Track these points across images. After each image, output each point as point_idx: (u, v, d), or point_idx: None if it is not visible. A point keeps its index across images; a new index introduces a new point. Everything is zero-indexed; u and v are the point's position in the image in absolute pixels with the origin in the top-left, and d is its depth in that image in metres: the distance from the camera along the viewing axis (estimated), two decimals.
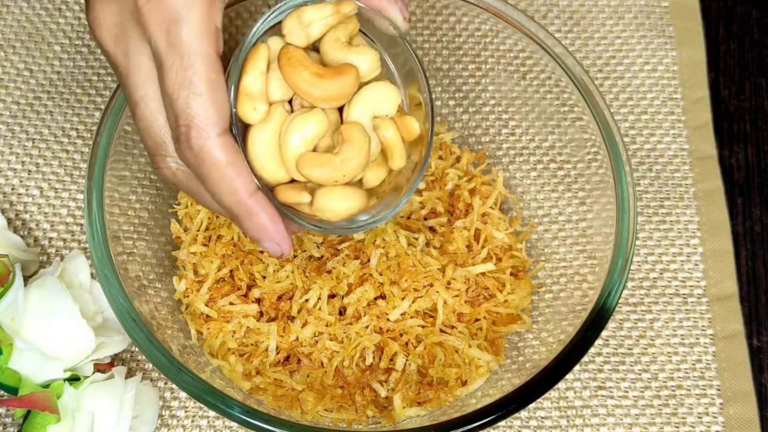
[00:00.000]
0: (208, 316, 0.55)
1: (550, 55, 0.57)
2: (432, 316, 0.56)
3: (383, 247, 0.56)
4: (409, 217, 0.59)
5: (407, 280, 0.55)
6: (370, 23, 0.46)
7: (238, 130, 0.42)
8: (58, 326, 0.52)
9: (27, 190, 0.62)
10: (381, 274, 0.55)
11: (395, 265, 0.56)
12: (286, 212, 0.43)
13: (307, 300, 0.55)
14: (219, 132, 0.39)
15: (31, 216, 0.62)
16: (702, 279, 0.62)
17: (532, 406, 0.57)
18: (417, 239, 0.58)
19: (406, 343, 0.55)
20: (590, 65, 0.69)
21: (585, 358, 0.58)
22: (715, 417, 0.58)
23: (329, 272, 0.55)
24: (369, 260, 0.56)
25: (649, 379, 0.59)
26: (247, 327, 0.55)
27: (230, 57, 0.42)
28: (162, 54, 0.38)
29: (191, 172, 0.41)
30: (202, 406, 0.55)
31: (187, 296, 0.56)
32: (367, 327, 0.54)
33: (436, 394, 0.53)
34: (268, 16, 0.43)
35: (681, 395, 0.58)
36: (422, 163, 0.47)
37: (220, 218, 0.57)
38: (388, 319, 0.55)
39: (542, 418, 0.57)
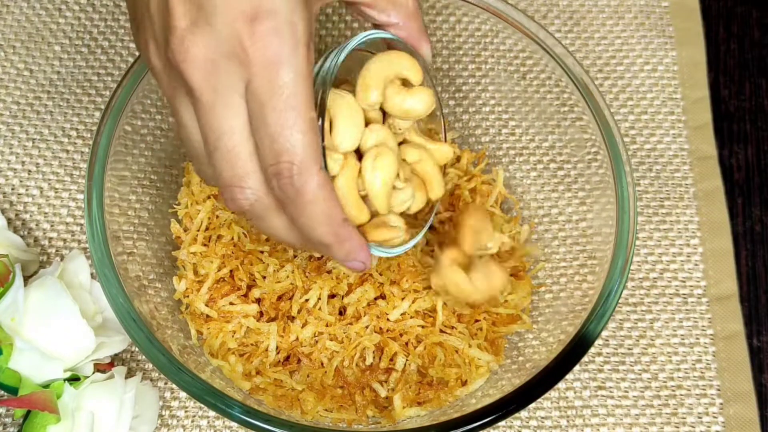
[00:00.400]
0: (208, 316, 0.55)
1: (550, 55, 0.57)
2: (432, 316, 0.56)
3: None
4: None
5: (407, 281, 0.55)
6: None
7: None
8: (58, 326, 0.52)
9: (27, 190, 0.62)
10: (381, 274, 0.55)
11: (395, 266, 0.56)
12: None
13: (307, 300, 0.55)
14: (319, 168, 0.41)
15: (31, 216, 0.62)
16: (702, 279, 0.62)
17: (532, 406, 0.57)
18: None
19: (406, 343, 0.55)
20: (590, 65, 0.69)
21: (585, 358, 0.58)
22: (715, 417, 0.58)
23: (329, 272, 0.55)
24: None
25: (649, 379, 0.59)
26: (247, 327, 0.55)
27: None
28: (264, 95, 0.39)
29: (273, 205, 0.43)
30: (202, 406, 0.55)
31: (187, 296, 0.56)
32: (367, 327, 0.54)
33: (436, 394, 0.53)
34: (339, 55, 0.45)
35: (681, 395, 0.58)
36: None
37: (221, 218, 0.57)
38: (388, 319, 0.55)
39: (542, 418, 0.57)
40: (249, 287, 0.56)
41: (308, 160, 0.40)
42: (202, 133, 0.42)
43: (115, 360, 0.57)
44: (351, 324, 0.55)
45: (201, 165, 0.44)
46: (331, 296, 0.55)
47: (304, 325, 0.54)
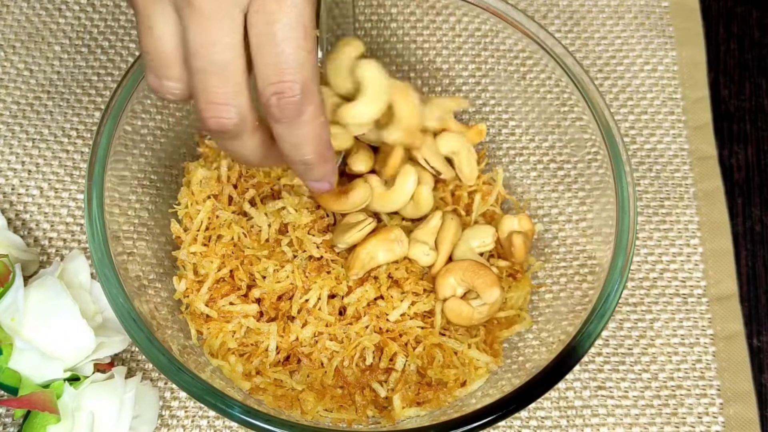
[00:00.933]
0: (208, 316, 0.55)
1: (550, 55, 0.57)
2: (432, 317, 0.56)
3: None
4: (413, 221, 0.59)
5: (410, 282, 0.55)
6: None
7: None
8: (58, 326, 0.52)
9: (27, 190, 0.62)
10: (390, 276, 0.55)
11: (402, 268, 0.56)
12: None
13: (307, 300, 0.55)
14: (318, 89, 0.42)
15: (31, 216, 0.62)
16: (702, 279, 0.62)
17: (532, 406, 0.57)
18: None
19: (406, 344, 0.55)
20: (590, 65, 0.69)
21: (585, 358, 0.58)
22: (715, 417, 0.58)
23: (329, 272, 0.55)
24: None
25: (649, 379, 0.59)
26: (247, 327, 0.55)
27: None
28: (274, 11, 0.40)
29: (252, 125, 0.43)
30: (202, 406, 0.55)
31: (187, 296, 0.56)
32: (366, 327, 0.54)
33: (435, 395, 0.53)
34: None
35: (681, 395, 0.58)
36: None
37: (221, 218, 0.57)
38: (387, 320, 0.55)
39: (542, 418, 0.57)
40: (249, 287, 0.56)
41: (312, 80, 0.41)
42: (190, 44, 0.41)
43: (115, 360, 0.57)
44: (351, 324, 0.55)
45: (167, 79, 0.43)
46: (331, 296, 0.55)
47: (304, 325, 0.54)
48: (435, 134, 0.59)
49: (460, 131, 0.59)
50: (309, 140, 0.43)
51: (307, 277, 0.55)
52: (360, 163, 0.56)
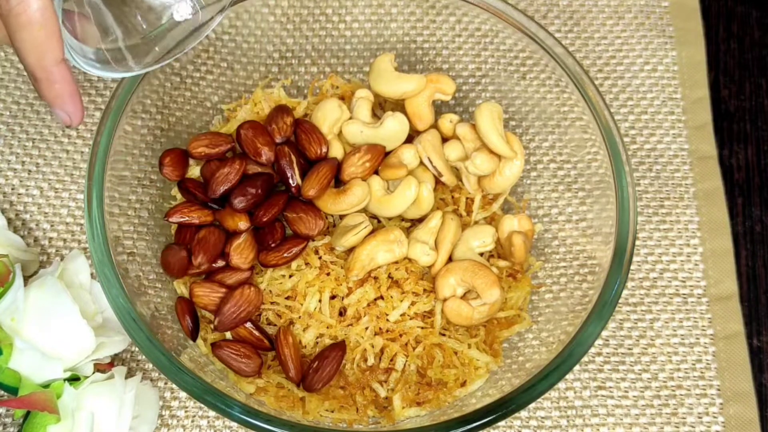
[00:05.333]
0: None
1: (550, 55, 0.57)
2: (432, 317, 0.56)
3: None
4: (413, 221, 0.59)
5: (410, 283, 0.55)
6: None
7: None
8: (58, 326, 0.52)
9: (27, 190, 0.62)
10: (390, 277, 0.55)
11: (403, 268, 0.56)
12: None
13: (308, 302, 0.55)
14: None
15: (31, 216, 0.62)
16: (702, 279, 0.62)
17: (532, 406, 0.57)
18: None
19: (406, 344, 0.55)
20: (590, 65, 0.69)
21: (585, 358, 0.58)
22: (715, 417, 0.58)
23: (328, 274, 0.55)
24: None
25: (649, 379, 0.59)
26: None
27: None
28: None
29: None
30: (202, 406, 0.55)
31: None
32: (367, 328, 0.54)
33: (435, 395, 0.53)
34: None
35: (681, 395, 0.58)
36: None
37: None
38: (387, 320, 0.55)
39: (542, 418, 0.57)
40: None
41: None
42: None
43: (115, 360, 0.57)
44: (351, 325, 0.54)
45: None
46: (332, 297, 0.55)
47: (305, 329, 0.54)
48: (445, 139, 0.59)
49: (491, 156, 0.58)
50: (26, 48, 0.40)
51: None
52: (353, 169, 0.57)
